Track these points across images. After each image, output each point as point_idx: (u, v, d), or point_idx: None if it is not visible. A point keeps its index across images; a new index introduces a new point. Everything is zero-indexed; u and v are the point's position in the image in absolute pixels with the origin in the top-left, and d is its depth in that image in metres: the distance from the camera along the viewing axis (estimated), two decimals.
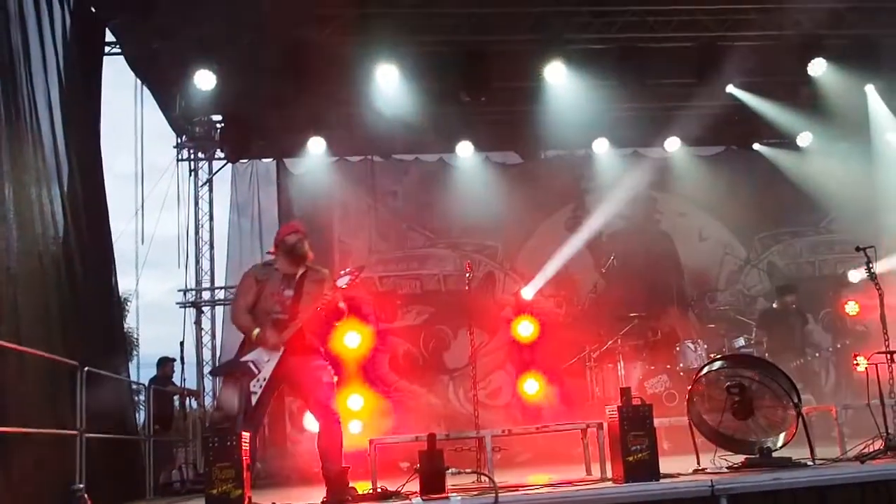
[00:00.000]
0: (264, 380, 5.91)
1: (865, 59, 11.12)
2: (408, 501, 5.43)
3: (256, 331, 6.02)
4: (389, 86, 10.68)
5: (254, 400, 5.89)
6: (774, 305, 11.58)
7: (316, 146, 12.10)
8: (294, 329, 6.02)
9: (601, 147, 13.00)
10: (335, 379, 6.25)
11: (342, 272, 6.21)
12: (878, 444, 6.27)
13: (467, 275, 8.72)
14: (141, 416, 11.20)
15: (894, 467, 5.81)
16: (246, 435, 5.41)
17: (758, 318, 11.67)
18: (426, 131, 11.79)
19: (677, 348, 10.87)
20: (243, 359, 6.01)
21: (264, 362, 5.94)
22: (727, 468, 5.95)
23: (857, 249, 7.24)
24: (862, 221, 12.08)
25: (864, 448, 6.27)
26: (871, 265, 7.09)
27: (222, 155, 12.77)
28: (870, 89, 12.27)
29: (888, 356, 6.78)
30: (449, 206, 12.64)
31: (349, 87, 11.06)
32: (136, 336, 14.05)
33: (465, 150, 12.60)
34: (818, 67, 11.24)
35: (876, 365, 6.84)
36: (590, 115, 11.60)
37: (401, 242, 12.96)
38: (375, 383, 11.81)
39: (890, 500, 5.93)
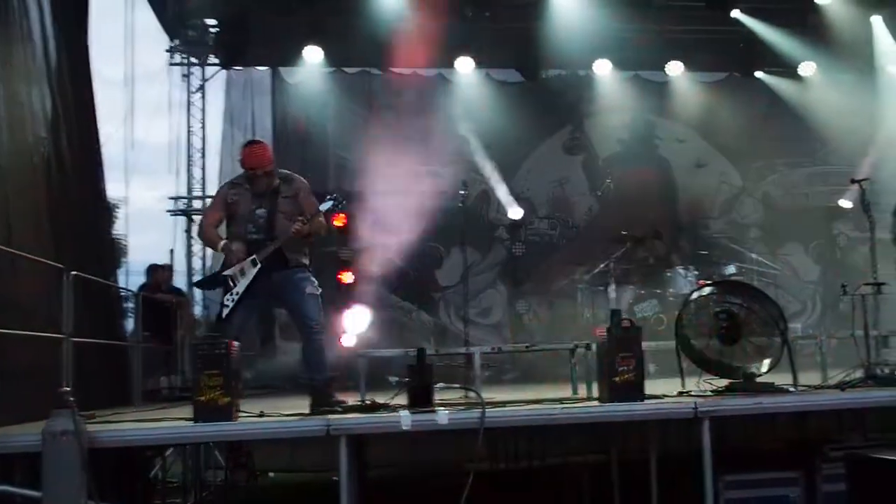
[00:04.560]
0: (237, 294, 6.01)
1: None
2: (395, 414, 5.47)
3: (222, 243, 6.15)
4: None
5: (224, 312, 6.03)
6: None
7: (313, 55, 11.89)
8: (272, 248, 6.04)
9: (603, 69, 12.80)
10: (320, 291, 6.27)
11: (328, 197, 6.22)
12: (859, 374, 6.35)
13: (462, 192, 8.67)
14: (130, 324, 11.24)
15: (872, 395, 5.92)
16: (236, 343, 5.43)
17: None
18: (426, 45, 11.51)
19: (669, 273, 10.89)
20: (223, 273, 6.13)
21: (240, 277, 6.01)
22: (711, 392, 6.01)
23: (853, 182, 7.20)
24: (859, 154, 12.02)
25: (845, 376, 6.35)
26: (865, 197, 7.05)
27: (216, 61, 12.54)
28: (876, 20, 12.09)
29: (875, 288, 6.81)
30: (446, 122, 12.45)
31: None
32: (125, 243, 13.99)
33: (464, 66, 12.40)
34: None
35: (862, 296, 6.88)
36: (593, 35, 11.43)
37: (396, 157, 12.80)
38: (367, 298, 11.85)
39: (866, 426, 6.06)
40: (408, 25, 11.04)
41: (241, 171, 6.42)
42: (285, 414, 5.59)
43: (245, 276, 6.04)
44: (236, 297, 6.01)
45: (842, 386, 6.11)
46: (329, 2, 10.99)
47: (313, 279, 6.26)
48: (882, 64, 12.58)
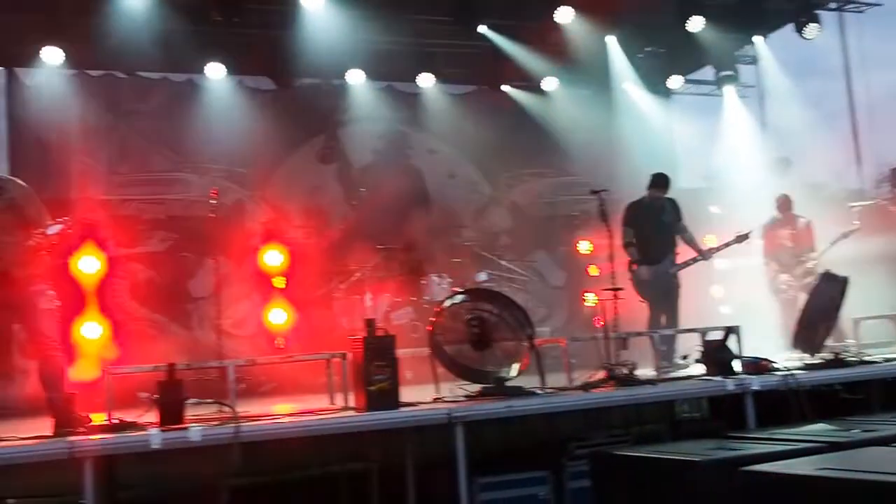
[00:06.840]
0: None
1: (607, 12, 11.77)
2: (145, 433, 5.26)
3: None
4: None
5: None
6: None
7: (52, 56, 11.13)
8: None
9: (356, 78, 12.90)
10: (57, 304, 5.92)
11: (57, 220, 5.83)
12: (601, 374, 6.78)
13: (213, 201, 8.45)
14: None
15: (613, 395, 6.36)
16: None
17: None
18: (175, 49, 11.07)
19: (423, 281, 11.14)
20: None
21: None
22: (464, 397, 6.21)
23: (592, 192, 7.71)
24: (598, 166, 12.86)
25: (589, 378, 6.76)
26: (603, 207, 7.55)
27: None
28: (610, 40, 13.00)
29: (614, 294, 7.31)
30: (197, 130, 12.02)
31: None
32: None
33: (215, 72, 12.06)
34: (565, 15, 11.78)
35: (603, 301, 7.38)
36: (346, 44, 11.47)
37: (144, 165, 12.24)
38: (114, 311, 11.28)
39: (609, 424, 6.50)
40: (155, 28, 10.60)
41: None
42: (22, 437, 5.24)
43: None
44: None
45: (585, 387, 6.51)
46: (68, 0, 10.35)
47: (49, 292, 5.88)
48: (616, 81, 13.56)
